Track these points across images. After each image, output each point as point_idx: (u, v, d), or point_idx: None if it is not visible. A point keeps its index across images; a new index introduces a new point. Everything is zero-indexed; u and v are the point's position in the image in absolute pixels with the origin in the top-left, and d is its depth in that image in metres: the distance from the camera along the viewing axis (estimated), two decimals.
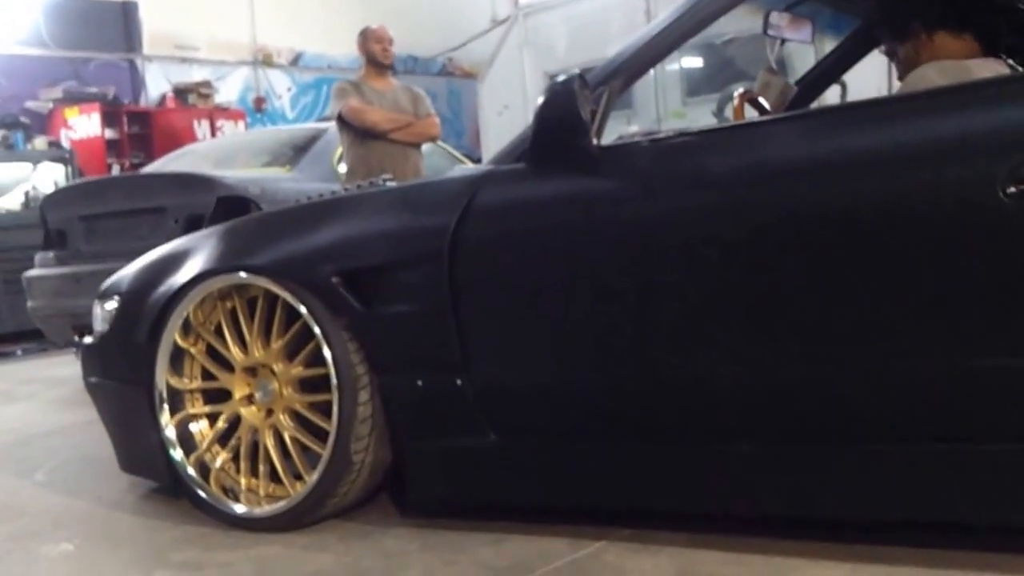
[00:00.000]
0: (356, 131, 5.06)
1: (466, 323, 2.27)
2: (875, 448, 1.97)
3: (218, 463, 2.66)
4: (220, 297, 2.64)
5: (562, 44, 10.77)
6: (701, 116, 8.68)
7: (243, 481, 2.63)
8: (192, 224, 4.67)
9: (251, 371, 2.63)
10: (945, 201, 1.85)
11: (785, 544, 2.11)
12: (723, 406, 2.09)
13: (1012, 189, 1.77)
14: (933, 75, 2.26)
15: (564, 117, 2.17)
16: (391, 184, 2.76)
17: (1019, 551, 1.97)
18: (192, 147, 7.21)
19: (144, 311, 2.71)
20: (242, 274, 2.56)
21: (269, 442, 2.58)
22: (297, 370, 2.55)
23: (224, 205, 4.80)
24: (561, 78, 2.19)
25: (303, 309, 2.44)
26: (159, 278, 2.73)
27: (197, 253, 2.70)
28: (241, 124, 11.51)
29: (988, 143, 1.84)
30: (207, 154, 6.38)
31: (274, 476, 2.59)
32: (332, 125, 6.84)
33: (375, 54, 5.31)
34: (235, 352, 2.63)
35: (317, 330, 2.42)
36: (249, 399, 2.64)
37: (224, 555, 2.41)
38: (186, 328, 2.67)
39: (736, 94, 2.66)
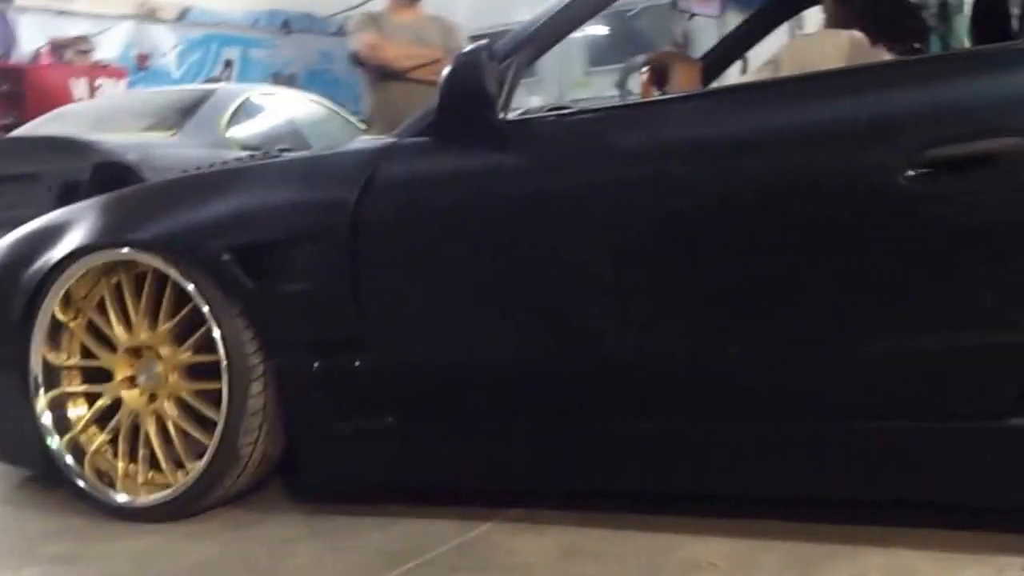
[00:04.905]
0: (375, 71, 4.56)
1: (366, 302, 2.21)
2: (774, 427, 1.99)
3: (94, 445, 2.51)
4: (105, 271, 2.48)
5: (464, 8, 10.72)
6: (604, 86, 8.68)
7: (120, 465, 2.49)
8: (67, 192, 4.47)
9: (135, 352, 2.48)
10: (844, 185, 1.87)
11: (670, 519, 2.14)
12: (629, 382, 2.08)
13: (911, 173, 1.78)
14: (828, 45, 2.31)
15: (470, 90, 2.13)
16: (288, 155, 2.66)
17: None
18: (69, 108, 6.92)
19: (19, 288, 2.53)
20: (125, 249, 2.42)
21: (151, 429, 2.45)
22: (186, 355, 2.41)
23: (102, 172, 4.61)
24: (467, 49, 2.15)
25: (191, 287, 2.31)
26: (36, 252, 2.55)
27: (78, 225, 2.53)
28: (123, 83, 11.08)
29: (888, 127, 1.86)
30: (84, 116, 6.16)
31: (154, 462, 2.46)
32: (220, 87, 6.66)
33: None
34: (118, 331, 2.48)
35: (205, 308, 2.30)
36: (131, 381, 2.49)
37: (100, 547, 2.29)
38: (67, 301, 2.51)
39: (644, 70, 2.62)
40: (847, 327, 1.90)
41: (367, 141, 2.47)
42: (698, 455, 2.06)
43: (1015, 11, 2.43)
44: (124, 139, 5.09)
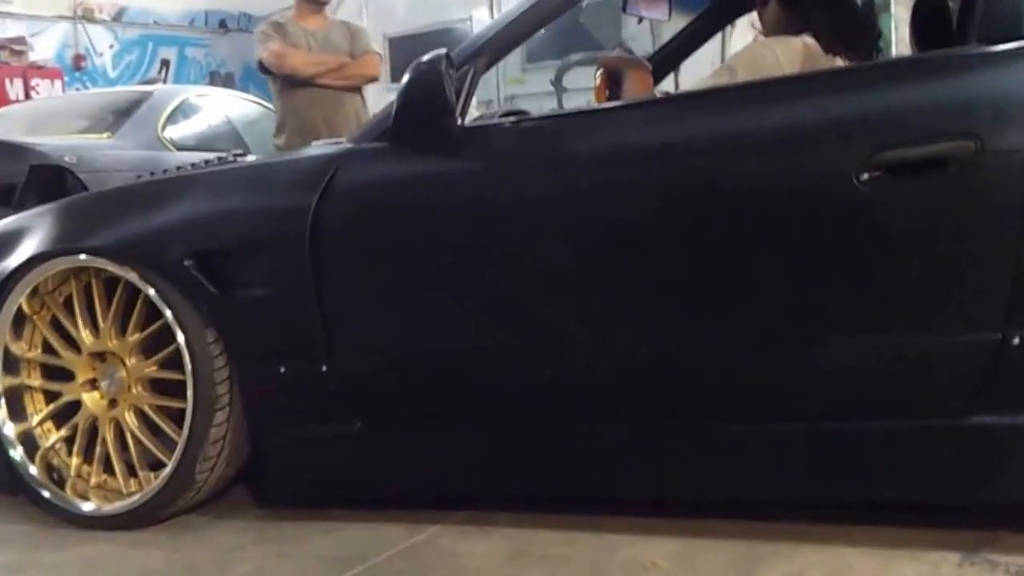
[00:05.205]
0: (281, 79, 4.54)
1: (330, 306, 2.20)
2: (730, 429, 2.01)
3: (49, 441, 2.48)
4: (74, 271, 2.43)
5: (402, 6, 10.72)
6: (541, 83, 8.64)
7: (74, 463, 2.46)
8: (2, 195, 4.38)
9: (99, 355, 2.45)
10: (801, 188, 1.89)
11: (616, 520, 2.16)
12: (587, 387, 2.09)
13: (866, 176, 1.81)
14: (779, 52, 2.32)
15: (429, 97, 2.12)
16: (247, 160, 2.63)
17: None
18: (3, 110, 6.77)
19: None
20: (82, 256, 2.38)
21: (108, 435, 2.42)
22: (151, 369, 2.39)
23: (38, 174, 4.52)
24: (427, 57, 2.14)
25: (151, 291, 2.29)
26: None
27: (33, 232, 2.48)
28: (58, 84, 10.86)
29: (842, 131, 1.88)
30: (20, 118, 6.01)
31: (107, 464, 2.44)
32: (157, 88, 6.53)
33: None
34: (84, 335, 2.44)
35: (168, 313, 2.28)
36: (92, 384, 2.46)
37: (49, 556, 2.26)
38: (33, 293, 2.47)
39: (598, 73, 2.63)
40: (806, 329, 1.92)
41: (324, 146, 2.46)
42: (657, 456, 2.08)
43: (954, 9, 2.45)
44: (60, 141, 4.98)
